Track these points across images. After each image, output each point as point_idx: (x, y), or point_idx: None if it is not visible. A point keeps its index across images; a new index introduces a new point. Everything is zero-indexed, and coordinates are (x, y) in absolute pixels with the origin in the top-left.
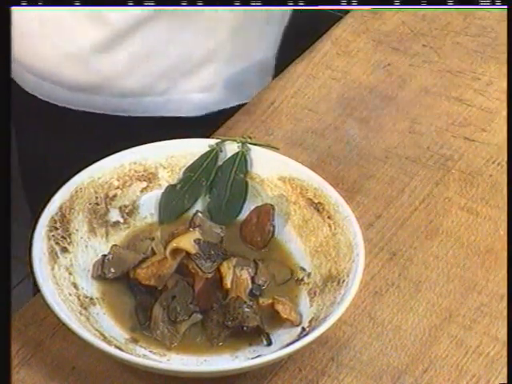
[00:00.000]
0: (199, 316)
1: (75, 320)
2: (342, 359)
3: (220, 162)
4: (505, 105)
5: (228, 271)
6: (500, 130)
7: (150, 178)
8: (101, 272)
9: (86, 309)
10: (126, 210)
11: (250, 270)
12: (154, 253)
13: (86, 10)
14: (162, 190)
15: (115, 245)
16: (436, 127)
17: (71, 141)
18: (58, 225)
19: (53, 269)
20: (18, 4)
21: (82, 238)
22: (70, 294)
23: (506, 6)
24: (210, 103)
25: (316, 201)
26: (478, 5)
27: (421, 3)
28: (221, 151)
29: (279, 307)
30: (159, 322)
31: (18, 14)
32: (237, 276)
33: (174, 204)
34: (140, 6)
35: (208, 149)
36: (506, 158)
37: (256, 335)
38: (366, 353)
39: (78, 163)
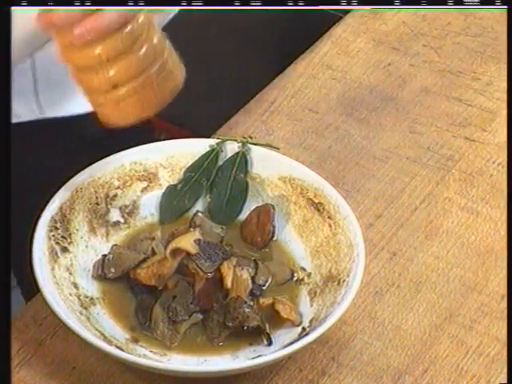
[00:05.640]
0: (199, 316)
1: (76, 320)
2: (342, 359)
3: (220, 162)
4: (505, 105)
5: (228, 271)
6: (500, 130)
7: (150, 177)
8: (101, 272)
9: (86, 309)
10: (127, 210)
11: (251, 270)
12: (154, 253)
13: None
14: (163, 190)
15: (115, 245)
16: (436, 127)
17: None
18: (58, 225)
19: (53, 269)
20: (18, 4)
21: (82, 237)
22: (71, 294)
23: (506, 6)
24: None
25: (316, 201)
26: (478, 5)
27: (421, 3)
28: (221, 151)
29: (279, 307)
30: (159, 321)
31: None
32: (237, 276)
33: (174, 204)
34: (140, 6)
35: (208, 149)
36: (506, 158)
37: (256, 335)
38: (366, 353)
39: None
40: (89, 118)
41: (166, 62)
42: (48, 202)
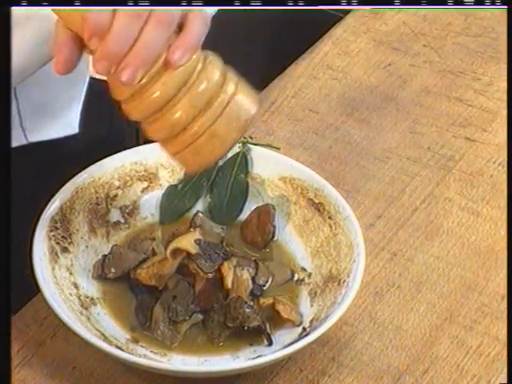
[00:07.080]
0: (200, 316)
1: (76, 320)
2: (342, 359)
3: (221, 162)
4: (505, 105)
5: (229, 271)
6: (501, 130)
7: (150, 178)
8: (101, 272)
9: (86, 309)
10: (127, 210)
11: (251, 270)
12: (154, 253)
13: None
14: (163, 190)
15: (116, 245)
16: (437, 127)
17: None
18: (58, 225)
19: (53, 269)
20: (18, 4)
21: (82, 238)
22: (71, 294)
23: (506, 6)
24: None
25: (317, 201)
26: (478, 5)
27: (421, 3)
28: None
29: (280, 307)
30: (160, 322)
31: None
32: (237, 276)
33: (174, 204)
34: (139, 6)
35: None
36: (506, 158)
37: (257, 335)
38: (366, 353)
39: None
40: (74, 138)
41: (232, 89)
42: (48, 201)
